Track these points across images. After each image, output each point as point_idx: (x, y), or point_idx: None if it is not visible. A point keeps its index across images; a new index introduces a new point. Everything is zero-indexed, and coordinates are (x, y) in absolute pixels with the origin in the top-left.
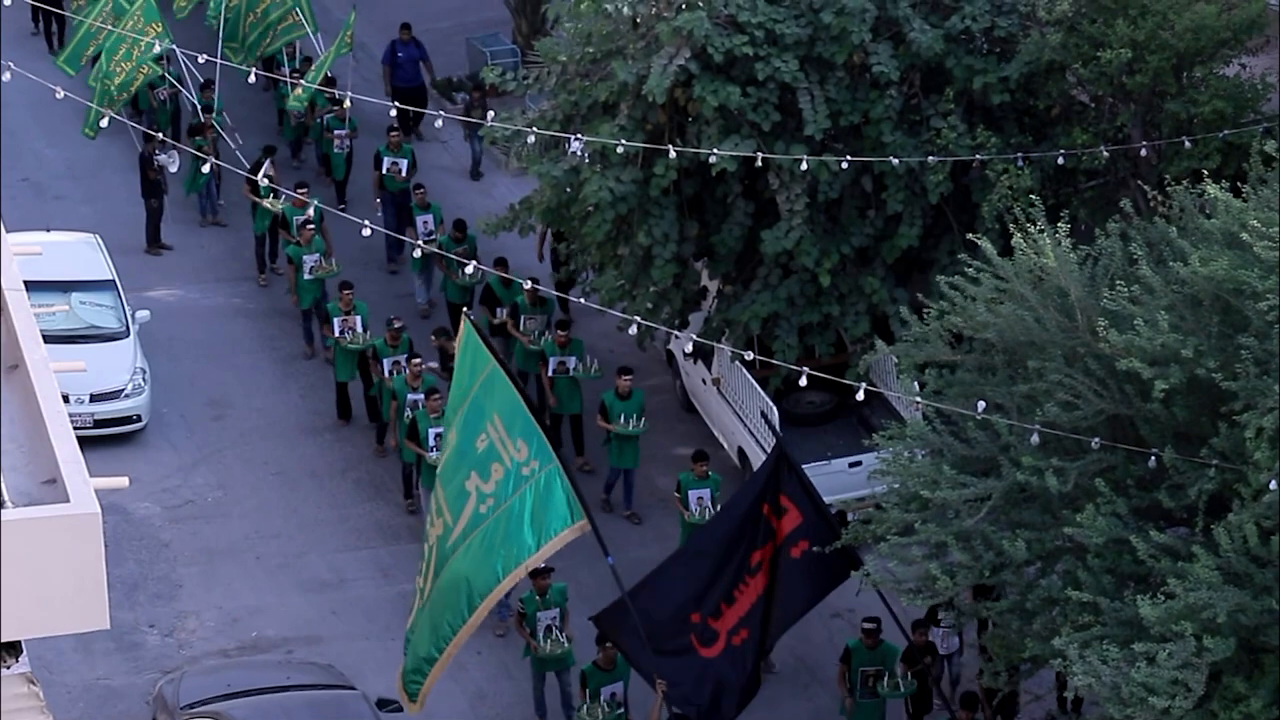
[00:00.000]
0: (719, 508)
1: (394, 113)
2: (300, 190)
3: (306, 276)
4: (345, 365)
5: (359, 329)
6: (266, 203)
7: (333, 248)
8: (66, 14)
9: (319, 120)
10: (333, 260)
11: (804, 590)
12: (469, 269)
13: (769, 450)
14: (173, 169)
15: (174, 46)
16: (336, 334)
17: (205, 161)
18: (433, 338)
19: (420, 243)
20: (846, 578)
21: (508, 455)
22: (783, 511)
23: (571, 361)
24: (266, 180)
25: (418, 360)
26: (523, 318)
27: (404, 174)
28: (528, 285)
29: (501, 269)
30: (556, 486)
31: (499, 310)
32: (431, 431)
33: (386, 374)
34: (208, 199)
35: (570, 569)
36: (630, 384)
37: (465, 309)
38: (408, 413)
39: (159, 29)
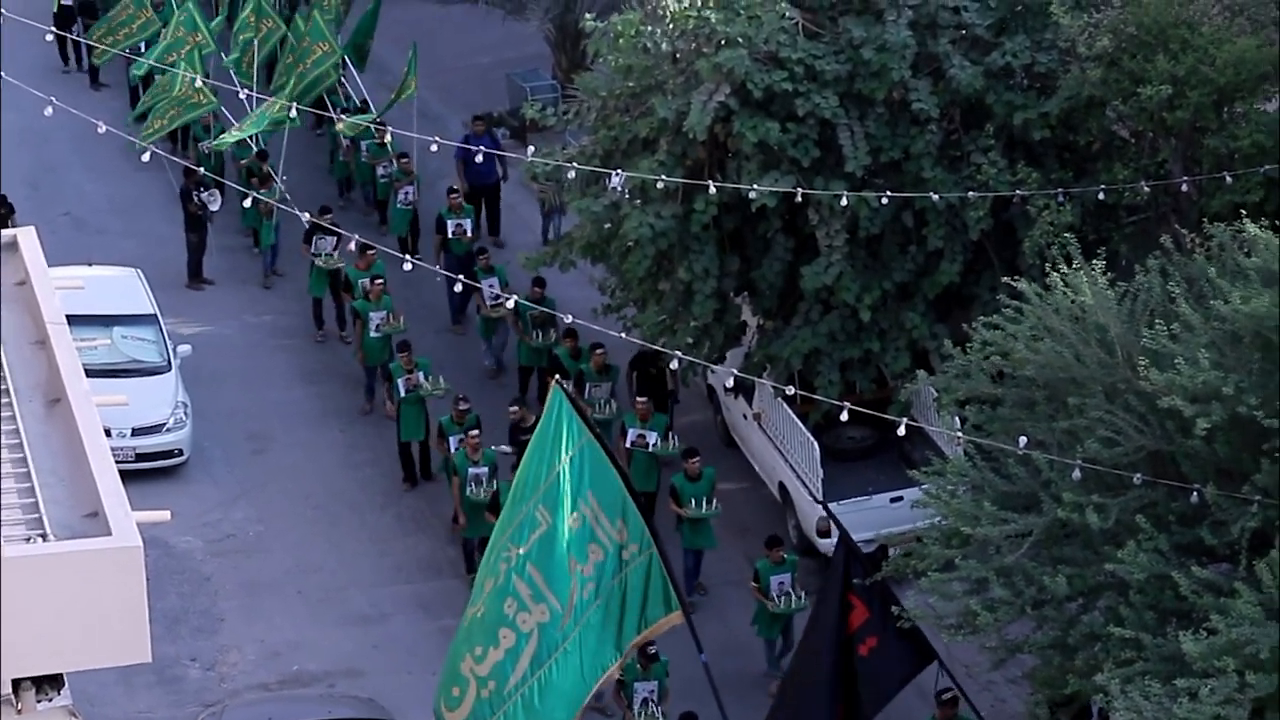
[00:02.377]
0: (809, 606)
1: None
2: (369, 253)
3: (373, 334)
4: (410, 422)
5: (423, 381)
6: (319, 260)
7: (400, 308)
8: (90, 42)
9: (376, 165)
10: (401, 319)
11: (879, 686)
12: (509, 303)
13: (811, 486)
14: (214, 207)
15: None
16: (403, 393)
17: (261, 204)
18: (512, 410)
19: (490, 302)
20: (921, 669)
21: (605, 537)
22: (849, 608)
23: (652, 437)
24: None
25: (475, 433)
26: (588, 385)
27: (468, 235)
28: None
29: (571, 340)
30: (655, 574)
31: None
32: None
33: (452, 451)
34: (270, 258)
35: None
36: (699, 465)
37: (555, 376)
38: (470, 488)
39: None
